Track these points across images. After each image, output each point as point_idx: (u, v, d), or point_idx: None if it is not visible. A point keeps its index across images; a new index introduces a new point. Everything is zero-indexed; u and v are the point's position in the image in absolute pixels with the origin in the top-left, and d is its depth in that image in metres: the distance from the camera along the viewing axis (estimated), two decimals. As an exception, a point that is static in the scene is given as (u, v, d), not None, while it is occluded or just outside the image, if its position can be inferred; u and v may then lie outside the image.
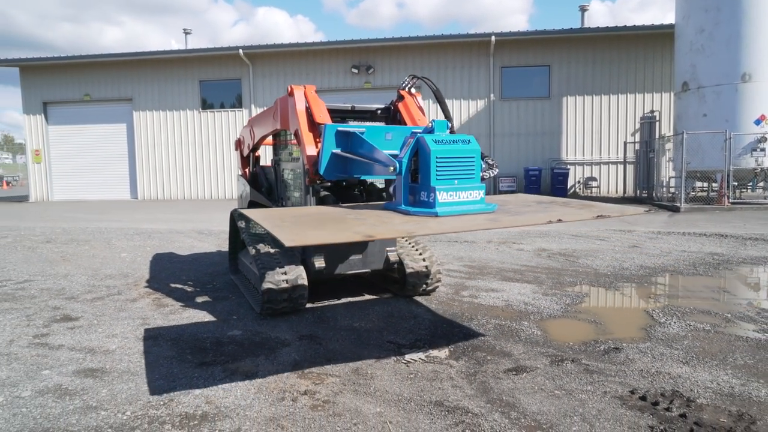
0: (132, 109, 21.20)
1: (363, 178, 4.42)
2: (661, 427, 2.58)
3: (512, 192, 17.65)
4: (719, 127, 13.27)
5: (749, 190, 16.14)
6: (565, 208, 3.65)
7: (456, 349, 3.75)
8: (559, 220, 3.08)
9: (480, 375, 3.28)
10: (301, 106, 4.49)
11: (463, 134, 3.46)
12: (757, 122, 13.10)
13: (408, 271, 4.91)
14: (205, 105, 21.03)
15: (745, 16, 13.03)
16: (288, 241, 2.55)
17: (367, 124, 4.82)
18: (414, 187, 3.41)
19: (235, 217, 5.68)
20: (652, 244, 8.24)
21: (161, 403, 2.95)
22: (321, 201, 4.50)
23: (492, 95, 19.27)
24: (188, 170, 21.14)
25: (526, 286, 5.66)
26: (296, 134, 4.52)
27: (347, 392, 3.07)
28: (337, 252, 4.71)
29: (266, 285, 4.36)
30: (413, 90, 4.95)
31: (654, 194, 15.79)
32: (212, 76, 20.75)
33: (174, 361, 3.59)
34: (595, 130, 19.05)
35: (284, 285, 4.39)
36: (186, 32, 24.22)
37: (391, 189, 4.09)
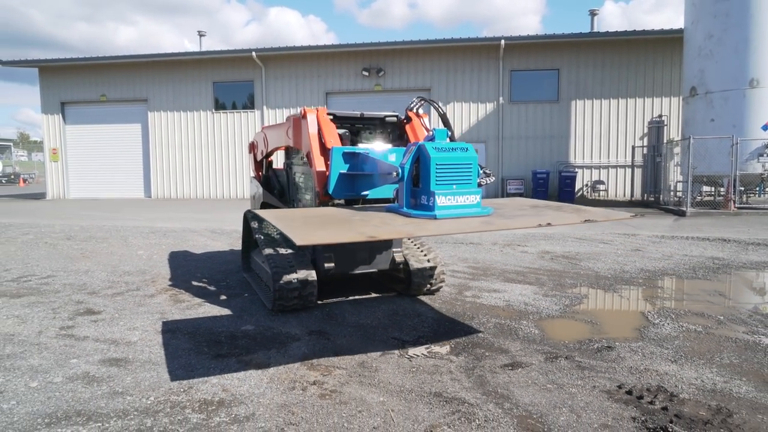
0: (147, 109, 21.63)
1: (369, 196, 4.61)
2: (643, 418, 2.79)
3: (520, 194, 17.78)
4: (727, 133, 13.35)
5: (756, 195, 16.16)
6: (557, 212, 3.87)
7: (456, 345, 3.97)
8: (549, 224, 3.31)
9: (478, 369, 3.49)
10: (313, 129, 4.71)
11: (462, 142, 3.70)
12: (765, 128, 13.15)
13: (413, 271, 5.13)
14: (218, 106, 21.39)
15: (754, 22, 13.09)
16: (299, 239, 2.79)
17: (371, 147, 4.90)
18: (415, 191, 3.65)
19: (248, 217, 5.94)
20: (654, 248, 8.39)
21: (181, 390, 3.20)
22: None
23: (501, 98, 19.42)
24: (201, 170, 21.51)
25: (527, 287, 5.85)
26: (308, 156, 4.78)
27: (353, 383, 3.30)
28: (345, 252, 4.94)
29: (278, 283, 4.60)
30: (420, 111, 5.18)
31: (661, 198, 15.88)
32: (225, 78, 21.09)
33: (191, 352, 3.84)
34: (603, 134, 19.13)
35: (295, 283, 4.63)
36: (201, 34, 24.67)
37: (393, 193, 4.32)
